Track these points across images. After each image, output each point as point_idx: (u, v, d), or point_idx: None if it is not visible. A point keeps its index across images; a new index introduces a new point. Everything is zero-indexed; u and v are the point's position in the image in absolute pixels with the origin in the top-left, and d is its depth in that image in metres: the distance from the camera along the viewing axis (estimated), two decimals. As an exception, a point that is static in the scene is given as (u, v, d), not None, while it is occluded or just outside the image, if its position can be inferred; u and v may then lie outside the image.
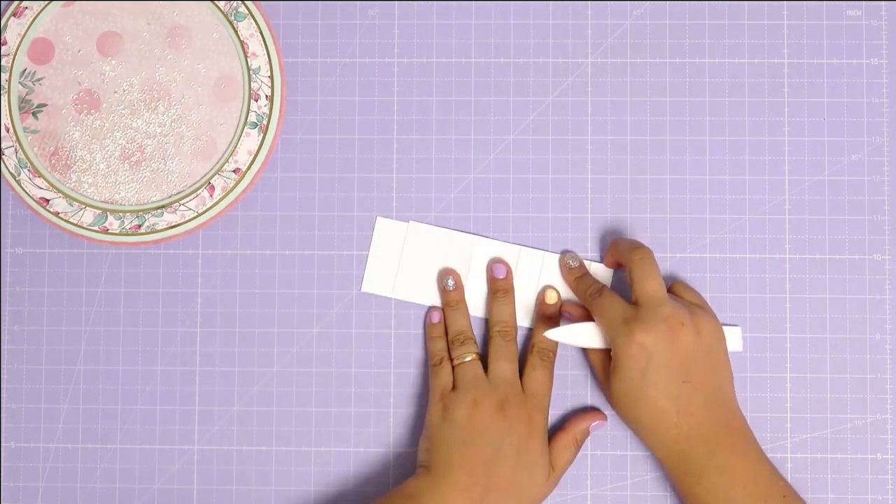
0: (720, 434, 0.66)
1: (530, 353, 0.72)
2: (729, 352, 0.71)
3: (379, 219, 0.75)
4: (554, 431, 0.72)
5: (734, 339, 0.73)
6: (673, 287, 0.72)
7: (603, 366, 0.71)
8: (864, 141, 0.74)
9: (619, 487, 0.73)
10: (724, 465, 0.66)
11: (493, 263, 0.74)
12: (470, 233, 0.74)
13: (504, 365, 0.71)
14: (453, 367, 0.72)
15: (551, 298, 0.73)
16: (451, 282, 0.73)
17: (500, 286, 0.73)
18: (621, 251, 0.71)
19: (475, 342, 0.73)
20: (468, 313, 0.74)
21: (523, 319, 0.74)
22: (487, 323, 0.74)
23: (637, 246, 0.70)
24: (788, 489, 0.67)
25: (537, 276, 0.74)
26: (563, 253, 0.74)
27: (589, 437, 0.73)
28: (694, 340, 0.67)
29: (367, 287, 0.74)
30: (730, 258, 0.74)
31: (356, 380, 0.74)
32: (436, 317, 0.74)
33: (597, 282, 0.71)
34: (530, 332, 0.74)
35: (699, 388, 0.67)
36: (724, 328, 0.71)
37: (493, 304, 0.73)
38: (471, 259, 0.74)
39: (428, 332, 0.74)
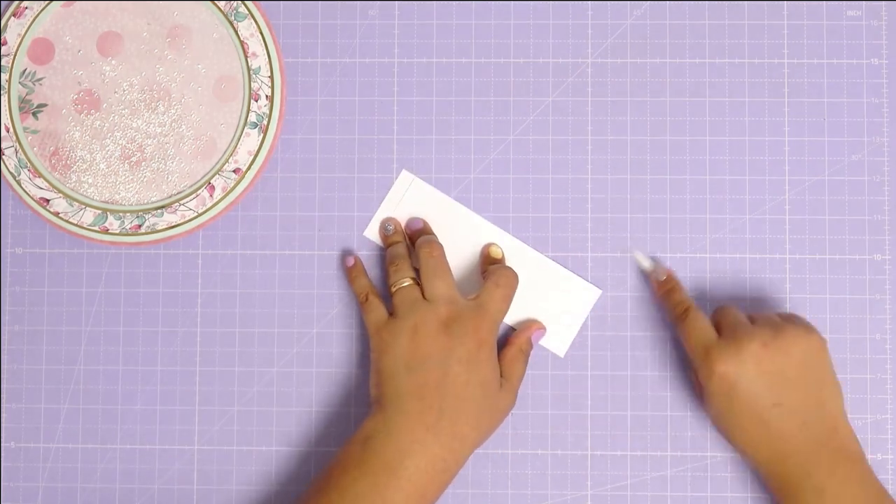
0: (820, 454, 0.65)
1: (487, 276, 0.71)
2: None
3: (404, 171, 0.74)
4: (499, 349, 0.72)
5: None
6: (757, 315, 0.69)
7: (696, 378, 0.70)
8: (864, 141, 0.74)
9: (619, 487, 0.73)
10: (821, 487, 0.64)
11: (410, 220, 0.74)
12: (487, 219, 0.74)
13: (438, 283, 0.69)
14: (392, 295, 0.70)
15: (496, 254, 0.73)
16: (390, 227, 0.74)
17: (420, 230, 0.73)
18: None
19: (411, 267, 0.71)
20: (407, 248, 0.73)
21: (509, 319, 0.74)
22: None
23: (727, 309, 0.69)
24: None
25: (533, 279, 0.74)
26: (653, 268, 0.72)
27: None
28: (783, 360, 0.65)
29: (368, 232, 0.75)
30: (730, 258, 0.74)
31: (356, 380, 0.74)
32: (350, 260, 0.74)
33: (685, 299, 0.70)
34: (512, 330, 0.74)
35: (795, 410, 0.65)
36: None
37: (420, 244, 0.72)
38: (476, 243, 0.74)
39: (348, 276, 0.74)
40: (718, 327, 0.68)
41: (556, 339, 0.73)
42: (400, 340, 0.68)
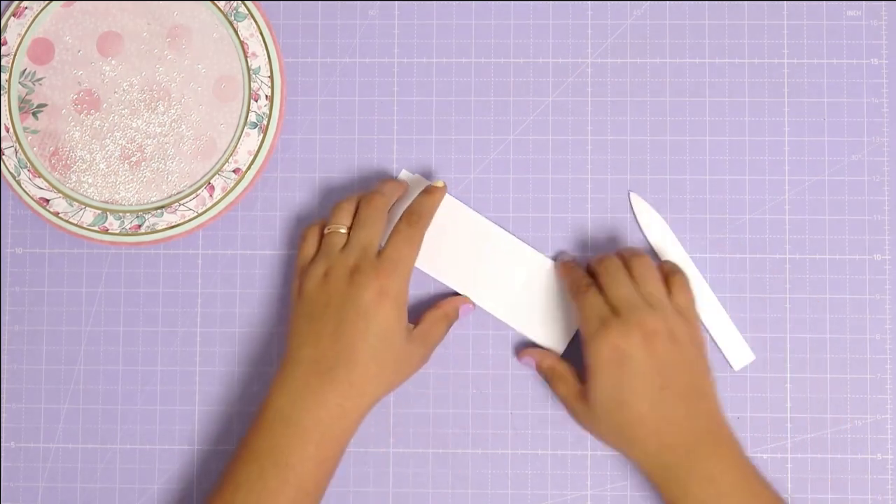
0: (704, 443, 0.66)
1: (399, 219, 0.70)
2: (743, 365, 0.72)
3: (404, 171, 0.74)
4: (425, 310, 0.72)
5: (744, 351, 0.73)
6: (670, 282, 0.70)
7: (576, 393, 0.69)
8: (864, 141, 0.75)
9: (619, 487, 0.73)
10: (709, 476, 0.65)
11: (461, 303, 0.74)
12: (487, 219, 0.74)
13: (361, 232, 0.69)
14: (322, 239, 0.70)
15: (439, 182, 0.72)
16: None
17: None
18: (590, 265, 0.71)
19: (352, 218, 0.70)
20: (385, 219, 0.71)
21: (508, 318, 0.74)
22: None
23: (604, 256, 0.70)
24: (778, 499, 0.66)
25: (536, 279, 0.74)
26: (561, 253, 0.74)
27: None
28: (671, 348, 0.66)
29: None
30: (730, 258, 0.74)
31: (356, 380, 0.74)
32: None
33: (587, 278, 0.70)
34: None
35: (680, 395, 0.66)
36: (733, 344, 0.72)
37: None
38: (475, 240, 0.74)
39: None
40: (613, 303, 0.67)
41: (554, 337, 0.73)
42: (309, 286, 0.68)
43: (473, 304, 0.73)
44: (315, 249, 0.70)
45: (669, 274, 0.70)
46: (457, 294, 0.74)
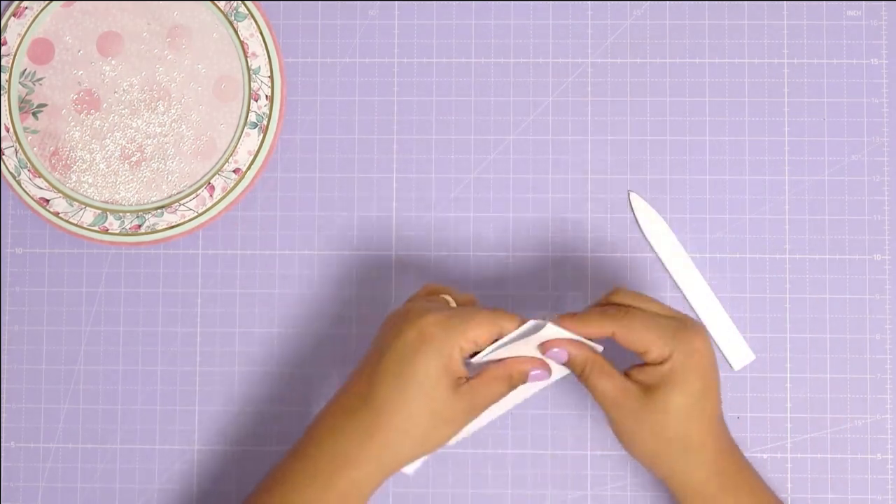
0: (738, 480, 0.63)
1: (510, 362, 0.62)
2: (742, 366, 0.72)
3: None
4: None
5: (744, 351, 0.73)
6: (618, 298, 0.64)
7: (624, 389, 0.61)
8: (864, 141, 0.75)
9: (619, 487, 0.73)
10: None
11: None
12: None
13: (472, 322, 0.60)
14: None
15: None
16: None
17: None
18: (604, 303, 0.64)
19: (451, 298, 0.64)
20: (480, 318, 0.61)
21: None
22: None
23: (610, 304, 0.63)
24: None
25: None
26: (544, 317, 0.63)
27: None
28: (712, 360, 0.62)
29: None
30: (730, 258, 0.74)
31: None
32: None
33: (590, 352, 0.62)
34: None
35: (724, 423, 0.64)
36: (733, 344, 0.72)
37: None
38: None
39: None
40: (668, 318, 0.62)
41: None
42: (388, 316, 0.63)
43: (550, 371, 0.63)
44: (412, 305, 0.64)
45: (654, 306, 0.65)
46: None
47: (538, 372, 0.62)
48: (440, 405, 0.59)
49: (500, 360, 0.62)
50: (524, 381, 0.62)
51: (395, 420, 0.59)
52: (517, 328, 0.61)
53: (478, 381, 0.60)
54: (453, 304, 0.64)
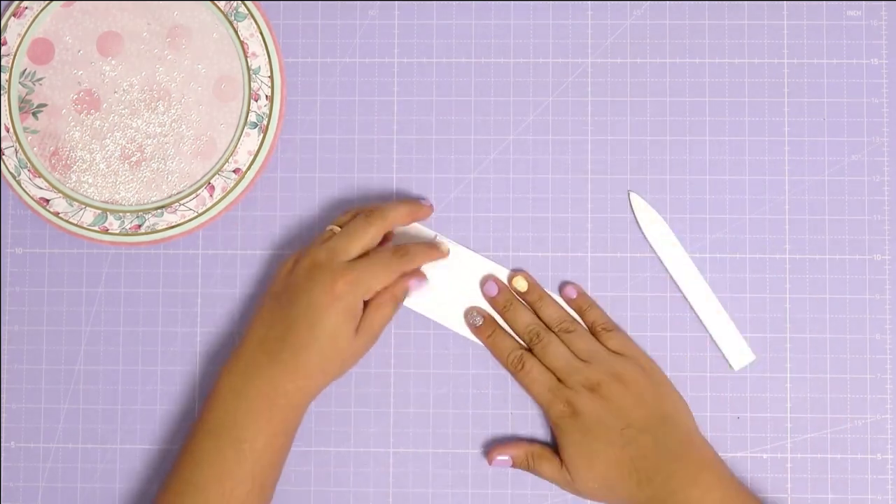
0: (677, 469, 0.67)
1: (391, 286, 0.70)
2: (745, 364, 0.72)
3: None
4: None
5: (744, 351, 0.73)
6: (596, 331, 0.72)
7: (559, 466, 0.70)
8: (864, 141, 0.74)
9: (619, 487, 0.73)
10: (686, 499, 0.67)
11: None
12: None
13: (343, 238, 0.69)
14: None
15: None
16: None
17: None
18: (514, 326, 0.73)
19: (363, 239, 0.69)
20: (372, 235, 0.70)
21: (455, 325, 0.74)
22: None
23: (526, 325, 0.72)
24: None
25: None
26: (471, 314, 0.74)
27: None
28: (619, 389, 0.69)
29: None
30: (730, 258, 0.74)
31: (357, 380, 0.74)
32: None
33: (517, 348, 0.72)
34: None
35: (643, 428, 0.68)
36: (733, 344, 0.72)
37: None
38: (470, 278, 0.74)
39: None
40: (554, 371, 0.70)
41: None
42: (278, 270, 0.70)
43: (424, 275, 0.72)
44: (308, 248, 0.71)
45: (594, 324, 0.72)
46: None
47: (414, 281, 0.71)
48: (345, 345, 0.68)
49: (382, 289, 0.69)
50: (407, 295, 0.71)
51: (313, 362, 0.67)
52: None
53: (368, 312, 0.69)
54: (337, 230, 0.70)
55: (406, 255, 0.70)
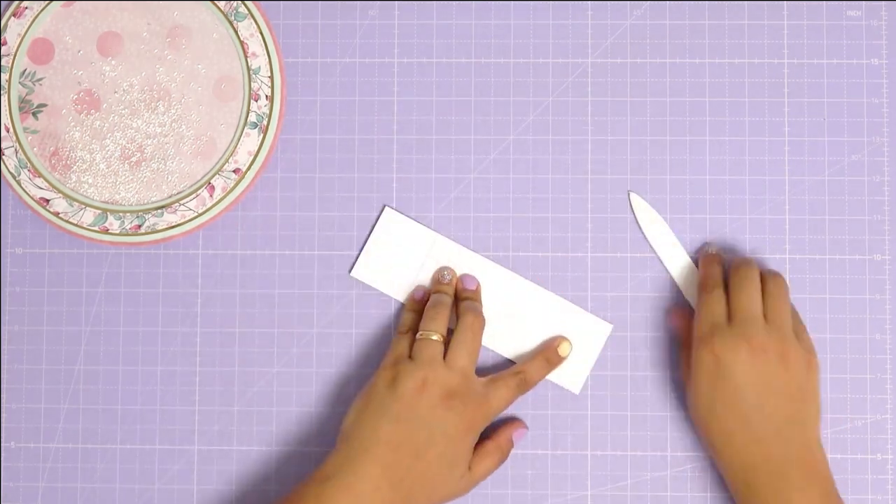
0: (791, 469, 0.65)
1: (511, 372, 0.70)
2: None
3: (387, 209, 0.74)
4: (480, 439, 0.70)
5: None
6: (796, 327, 0.69)
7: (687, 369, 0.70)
8: (864, 141, 0.75)
9: (619, 487, 0.73)
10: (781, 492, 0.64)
11: (464, 276, 0.74)
12: (470, 248, 0.74)
13: (463, 353, 0.69)
14: (416, 340, 0.70)
15: (564, 351, 0.72)
16: (448, 276, 0.73)
17: (468, 295, 0.73)
18: (731, 265, 0.70)
19: (447, 323, 0.71)
20: (451, 305, 0.72)
21: (500, 347, 0.73)
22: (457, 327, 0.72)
23: (743, 262, 0.70)
24: None
25: (543, 318, 0.74)
26: (709, 242, 0.73)
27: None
28: (777, 370, 0.66)
29: (356, 273, 0.74)
30: (730, 258, 0.74)
31: (356, 380, 0.74)
32: (419, 294, 0.73)
33: (719, 278, 0.70)
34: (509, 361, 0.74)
35: (773, 416, 0.65)
36: None
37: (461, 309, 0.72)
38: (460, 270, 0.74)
39: (406, 305, 0.73)
40: (733, 311, 0.68)
41: (571, 377, 0.73)
42: (404, 384, 0.67)
43: (525, 426, 0.72)
44: (408, 350, 0.70)
45: (795, 320, 0.70)
46: (510, 421, 0.73)
47: (518, 431, 0.72)
48: (456, 487, 0.68)
49: (488, 437, 0.71)
50: (511, 446, 0.71)
51: (427, 494, 0.67)
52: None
53: (476, 461, 0.69)
54: (433, 336, 0.70)
55: (526, 382, 0.70)
